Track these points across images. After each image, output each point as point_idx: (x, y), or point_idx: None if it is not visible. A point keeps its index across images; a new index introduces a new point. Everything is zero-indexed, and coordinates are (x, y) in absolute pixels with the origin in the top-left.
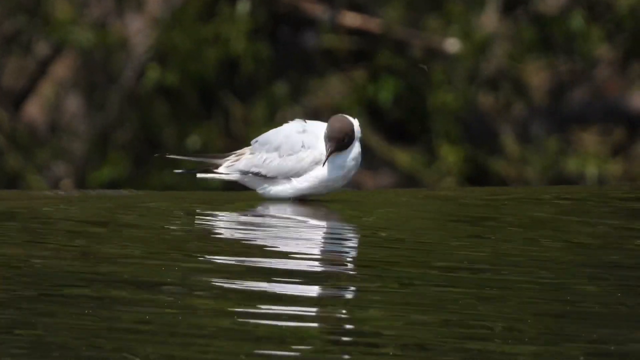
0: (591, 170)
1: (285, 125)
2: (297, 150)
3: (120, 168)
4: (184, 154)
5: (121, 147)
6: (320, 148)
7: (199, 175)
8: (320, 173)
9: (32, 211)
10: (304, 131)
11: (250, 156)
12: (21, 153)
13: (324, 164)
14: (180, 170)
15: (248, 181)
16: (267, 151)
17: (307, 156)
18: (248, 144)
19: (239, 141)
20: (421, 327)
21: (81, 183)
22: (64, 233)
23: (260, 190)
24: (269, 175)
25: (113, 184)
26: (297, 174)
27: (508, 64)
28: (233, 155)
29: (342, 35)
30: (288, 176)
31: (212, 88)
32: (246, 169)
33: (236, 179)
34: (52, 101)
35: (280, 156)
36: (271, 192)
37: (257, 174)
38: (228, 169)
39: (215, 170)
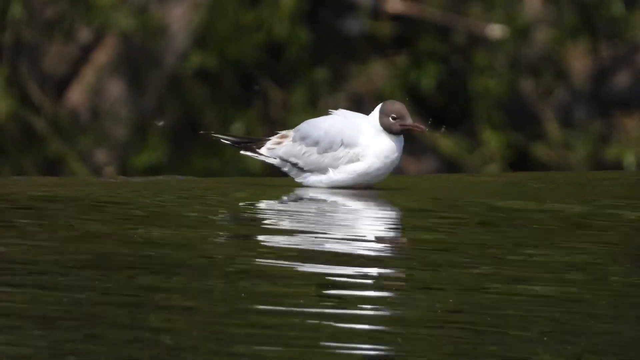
0: (629, 159)
1: (326, 118)
2: (335, 147)
3: (160, 153)
4: (227, 135)
5: (162, 133)
6: (360, 144)
7: (242, 152)
8: (359, 167)
9: (81, 196)
10: (344, 127)
11: (291, 144)
12: (63, 139)
13: (400, 133)
14: (225, 141)
15: (286, 169)
16: (307, 145)
17: (344, 155)
18: (276, 133)
19: (279, 126)
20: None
21: (123, 169)
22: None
23: (297, 179)
24: (305, 168)
25: (153, 170)
26: (334, 169)
27: (550, 49)
28: (276, 136)
29: (384, 20)
30: (325, 171)
31: (253, 73)
32: (285, 157)
33: (276, 164)
34: (94, 86)
35: (318, 152)
36: (309, 181)
37: (295, 165)
38: (269, 151)
39: (258, 150)
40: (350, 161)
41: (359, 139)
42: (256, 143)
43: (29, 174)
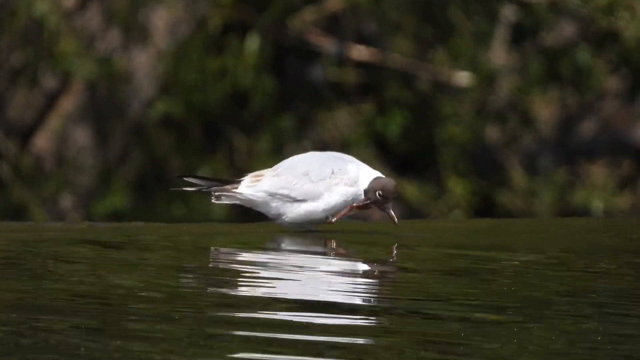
0: (597, 204)
1: (310, 153)
2: (327, 175)
3: (124, 199)
4: (197, 177)
5: (127, 180)
6: (350, 172)
7: (214, 196)
8: (351, 190)
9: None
10: (330, 158)
11: (275, 178)
12: (27, 185)
13: (389, 215)
14: (196, 189)
15: (274, 204)
16: (295, 176)
17: (338, 182)
18: (245, 175)
19: (244, 173)
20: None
21: (87, 216)
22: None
23: (285, 214)
24: (298, 198)
25: (117, 216)
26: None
27: (516, 97)
28: (249, 176)
29: (349, 68)
30: (320, 197)
31: (217, 121)
32: (273, 190)
33: (260, 200)
34: (59, 134)
35: (311, 180)
36: (300, 211)
37: (285, 196)
38: (250, 188)
39: (235, 191)
40: (346, 185)
41: (348, 166)
42: (228, 184)
43: None
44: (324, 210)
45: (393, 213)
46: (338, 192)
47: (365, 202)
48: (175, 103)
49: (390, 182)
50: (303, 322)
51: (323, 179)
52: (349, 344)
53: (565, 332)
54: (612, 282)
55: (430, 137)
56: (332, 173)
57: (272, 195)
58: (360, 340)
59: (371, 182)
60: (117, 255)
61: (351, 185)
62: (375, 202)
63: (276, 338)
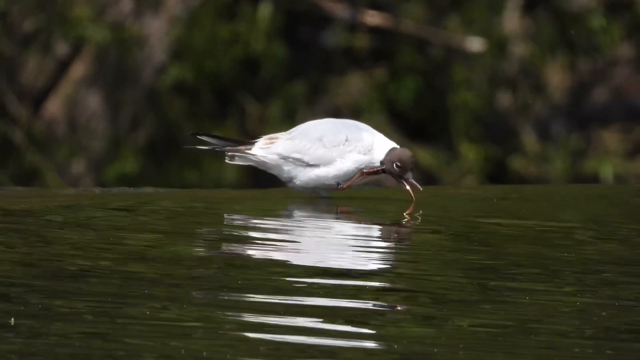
0: (608, 170)
1: (325, 119)
2: (341, 142)
3: (136, 164)
4: (211, 136)
5: (139, 145)
6: (365, 140)
7: (228, 156)
8: (364, 158)
9: (47, 210)
10: (345, 125)
11: (289, 142)
12: (40, 151)
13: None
14: (210, 148)
15: (286, 167)
16: (310, 140)
17: (352, 149)
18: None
19: (255, 139)
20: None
21: (100, 182)
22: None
23: (296, 178)
24: (311, 162)
25: (128, 181)
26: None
27: (528, 63)
28: (263, 138)
29: (362, 33)
30: (332, 162)
31: (229, 87)
32: (286, 154)
33: (273, 162)
34: (71, 99)
35: (324, 146)
36: (312, 175)
37: (298, 159)
38: (264, 150)
39: (249, 152)
40: (359, 153)
41: (362, 134)
42: (242, 146)
43: (5, 185)
44: (335, 177)
45: (414, 182)
46: (351, 159)
47: (376, 169)
48: (187, 69)
49: (406, 152)
50: (317, 284)
51: (337, 145)
52: (362, 308)
53: (576, 297)
54: (620, 250)
55: (443, 103)
56: (346, 140)
57: (285, 158)
58: (370, 305)
59: (388, 154)
60: (129, 220)
61: (365, 154)
62: (393, 174)
63: (287, 304)
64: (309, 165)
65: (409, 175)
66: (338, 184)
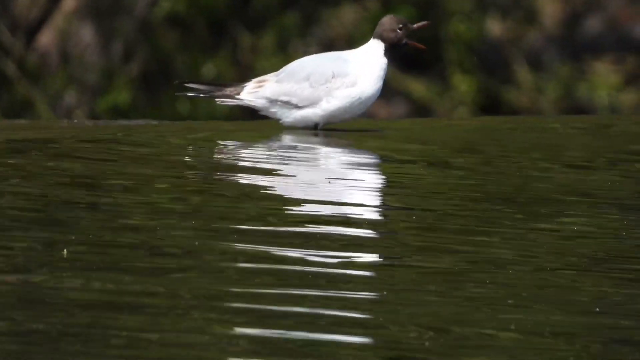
0: (602, 99)
1: (311, 56)
2: (328, 79)
3: (128, 96)
4: (199, 82)
5: (132, 77)
6: (352, 72)
7: (218, 100)
8: (353, 92)
9: (48, 140)
10: (331, 60)
11: (277, 84)
12: (32, 82)
13: (409, 43)
14: (198, 95)
15: (274, 109)
16: (297, 82)
17: (339, 85)
18: (256, 75)
19: (248, 70)
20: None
21: (93, 113)
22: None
23: (285, 118)
24: (300, 104)
25: (121, 112)
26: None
27: None
28: (252, 81)
29: None
30: (319, 102)
31: (222, 19)
32: (274, 97)
33: (261, 106)
34: (64, 31)
35: (311, 86)
36: (300, 116)
37: (287, 102)
38: (252, 95)
39: (238, 97)
40: (347, 87)
41: (348, 68)
42: (230, 89)
43: None
44: (322, 117)
45: (418, 25)
46: (338, 96)
47: (403, 39)
48: (180, 1)
49: (389, 17)
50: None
51: (324, 83)
52: (351, 236)
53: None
54: (607, 180)
55: (436, 34)
56: (333, 76)
57: (274, 101)
58: (361, 232)
59: (378, 29)
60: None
61: (352, 86)
62: (401, 38)
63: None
64: (297, 106)
65: (412, 25)
66: (320, 124)
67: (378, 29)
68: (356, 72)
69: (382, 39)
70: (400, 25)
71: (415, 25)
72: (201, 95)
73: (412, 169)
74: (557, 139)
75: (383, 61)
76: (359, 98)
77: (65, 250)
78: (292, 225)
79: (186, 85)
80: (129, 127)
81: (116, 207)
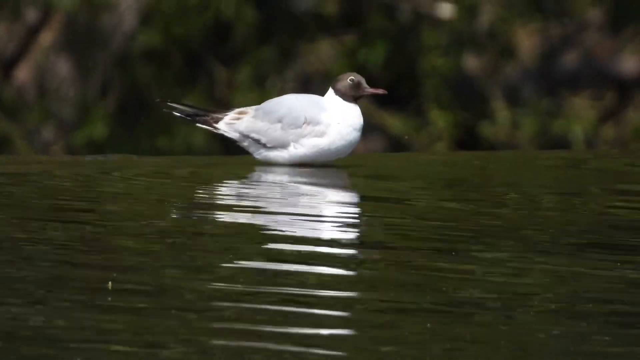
0: (578, 133)
1: (289, 96)
2: (299, 124)
3: (105, 129)
4: (180, 108)
5: (108, 111)
6: (323, 121)
7: (198, 125)
8: (321, 142)
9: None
10: (307, 104)
11: (252, 120)
12: (9, 117)
13: (360, 97)
14: (182, 115)
15: (246, 144)
16: (270, 121)
17: (309, 132)
18: (232, 109)
19: (224, 106)
20: None
21: (68, 148)
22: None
23: (257, 155)
24: (268, 144)
25: (97, 147)
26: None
27: (499, 28)
28: (233, 112)
29: None
30: (287, 146)
31: (199, 53)
32: (246, 133)
33: (236, 138)
34: (41, 65)
35: (282, 128)
36: (269, 156)
37: (256, 141)
38: (229, 127)
39: (216, 125)
40: (316, 137)
41: (321, 116)
42: (211, 116)
43: None
44: (288, 161)
45: (372, 89)
46: (306, 144)
47: (357, 92)
48: (156, 34)
49: (346, 74)
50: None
51: (295, 128)
52: (335, 254)
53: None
54: (582, 217)
55: (413, 68)
56: (305, 122)
57: (246, 137)
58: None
59: (335, 85)
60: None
61: (321, 136)
62: (355, 89)
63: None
64: (265, 146)
65: (366, 86)
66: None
67: (335, 84)
68: (328, 122)
69: (340, 94)
70: (352, 78)
71: (370, 90)
72: (185, 116)
73: (385, 205)
74: (529, 173)
75: (357, 111)
76: (328, 149)
77: (110, 282)
78: (260, 262)
79: (168, 103)
80: (104, 162)
81: (80, 242)
